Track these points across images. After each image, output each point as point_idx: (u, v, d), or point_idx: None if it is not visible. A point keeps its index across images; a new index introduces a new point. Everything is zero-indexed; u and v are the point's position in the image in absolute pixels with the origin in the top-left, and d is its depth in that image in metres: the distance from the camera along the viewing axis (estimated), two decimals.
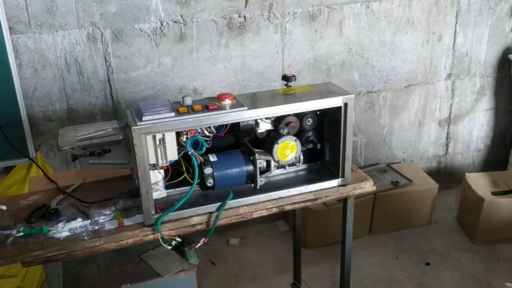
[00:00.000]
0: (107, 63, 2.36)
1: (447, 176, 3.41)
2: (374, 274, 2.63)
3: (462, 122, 3.28)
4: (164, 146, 1.42)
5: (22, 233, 1.44)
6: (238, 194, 1.55)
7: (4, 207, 1.60)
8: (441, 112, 3.20)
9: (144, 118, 1.36)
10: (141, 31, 2.35)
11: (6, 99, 2.17)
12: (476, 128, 3.34)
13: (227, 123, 1.47)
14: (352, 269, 1.93)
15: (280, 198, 1.60)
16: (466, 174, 2.98)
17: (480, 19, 3.01)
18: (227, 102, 1.46)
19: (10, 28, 2.13)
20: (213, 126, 1.47)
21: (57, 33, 2.23)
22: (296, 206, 1.64)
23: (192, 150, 1.45)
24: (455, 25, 2.97)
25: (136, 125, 1.36)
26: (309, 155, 1.70)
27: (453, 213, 3.13)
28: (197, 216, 1.51)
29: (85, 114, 2.40)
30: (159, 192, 1.52)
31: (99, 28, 2.29)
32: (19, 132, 2.23)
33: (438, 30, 2.94)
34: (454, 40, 3.01)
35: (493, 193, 2.77)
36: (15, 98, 2.19)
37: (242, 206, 1.56)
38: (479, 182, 2.87)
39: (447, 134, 3.28)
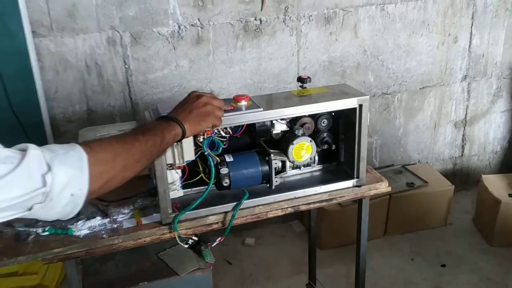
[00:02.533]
0: (126, 66, 2.40)
1: (463, 178, 3.39)
2: (389, 276, 2.62)
3: (478, 124, 3.26)
4: (181, 147, 1.43)
5: (47, 233, 1.47)
6: (254, 194, 1.57)
7: None
8: (457, 114, 3.19)
9: None
10: (159, 34, 2.39)
11: (28, 100, 2.22)
12: (492, 130, 3.31)
13: (243, 124, 1.49)
14: (367, 270, 1.93)
15: (295, 198, 1.61)
16: (483, 176, 2.96)
17: (497, 21, 2.99)
18: (243, 103, 1.48)
19: (33, 32, 2.18)
20: (229, 127, 1.49)
21: (78, 37, 2.28)
22: (311, 206, 1.65)
23: (209, 151, 1.47)
24: (471, 26, 2.96)
25: None
26: (324, 156, 1.71)
27: (469, 215, 3.11)
28: (213, 216, 1.53)
29: (104, 115, 2.44)
30: (176, 192, 1.54)
31: (118, 32, 2.33)
32: (41, 132, 2.28)
33: (454, 32, 2.94)
34: (470, 42, 3.00)
35: (510, 195, 2.75)
36: (37, 100, 2.23)
37: (258, 206, 1.57)
38: (495, 184, 2.85)
39: (463, 135, 3.27)
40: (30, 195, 0.83)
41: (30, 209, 0.85)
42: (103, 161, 0.96)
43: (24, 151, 0.85)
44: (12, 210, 0.82)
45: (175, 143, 1.42)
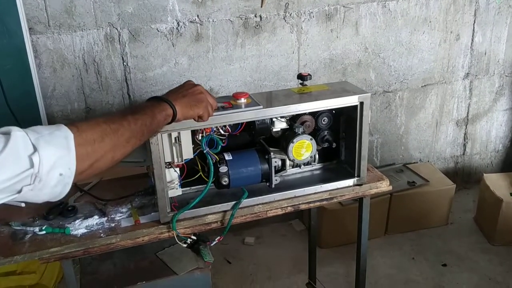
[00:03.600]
0: (125, 63, 2.38)
1: (464, 176, 3.37)
2: (390, 275, 2.61)
3: (480, 122, 3.24)
4: (180, 145, 1.42)
5: (44, 232, 1.46)
6: (253, 193, 1.55)
7: (23, 204, 1.62)
8: (459, 112, 3.17)
9: None
10: (158, 31, 2.37)
11: (26, 98, 2.20)
12: (494, 128, 3.30)
13: (243, 121, 1.48)
14: (368, 269, 1.91)
15: (295, 197, 1.59)
16: (484, 174, 2.94)
17: (499, 18, 2.97)
18: (243, 101, 1.46)
19: (30, 29, 2.16)
20: (229, 125, 1.48)
21: (76, 34, 2.26)
22: (312, 205, 1.63)
23: (208, 149, 1.46)
24: (473, 24, 2.93)
25: None
26: (325, 154, 1.69)
27: (470, 214, 3.09)
28: (212, 215, 1.51)
29: (102, 113, 2.42)
30: (175, 190, 1.52)
31: (116, 28, 2.31)
32: None
33: (456, 29, 2.91)
34: (472, 39, 2.98)
35: (511, 194, 2.73)
36: (34, 98, 2.21)
37: (257, 205, 1.56)
38: (497, 183, 2.84)
39: (465, 134, 3.25)
40: (19, 177, 0.82)
41: (19, 191, 0.84)
42: (91, 140, 0.95)
43: (7, 134, 0.84)
44: (1, 194, 0.82)
45: (174, 142, 1.42)
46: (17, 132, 0.84)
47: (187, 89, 1.26)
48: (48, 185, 0.87)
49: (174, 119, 1.19)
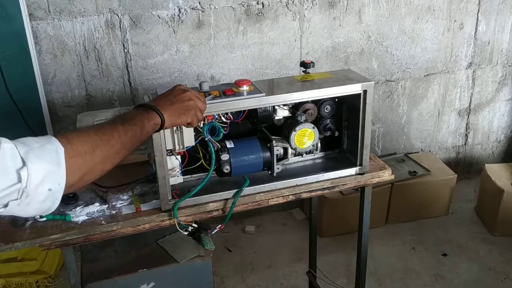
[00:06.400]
0: (125, 50, 2.36)
1: (466, 166, 3.37)
2: (390, 264, 2.61)
3: (482, 112, 3.23)
4: (181, 132, 1.41)
5: (45, 218, 1.45)
6: (255, 181, 1.54)
7: None
8: (461, 102, 3.15)
9: None
10: (159, 18, 2.35)
11: (26, 85, 2.19)
12: (496, 119, 3.28)
13: (245, 109, 1.46)
14: (368, 258, 1.91)
15: (297, 185, 1.59)
16: (486, 165, 2.94)
17: (504, 7, 2.94)
18: (245, 88, 1.45)
19: (30, 15, 2.14)
20: (230, 113, 1.47)
21: (76, 20, 2.24)
22: (313, 194, 1.62)
23: (209, 136, 1.45)
24: (477, 13, 2.91)
25: None
26: (327, 143, 1.68)
27: (471, 204, 3.09)
28: (213, 203, 1.51)
29: (103, 101, 2.41)
30: (176, 178, 1.51)
31: (117, 15, 2.29)
32: (38, 117, 2.26)
33: (460, 18, 2.89)
34: (476, 29, 2.95)
35: None
36: (35, 84, 2.21)
37: (259, 193, 1.55)
38: (498, 173, 2.83)
39: (467, 124, 3.23)
40: (5, 192, 0.79)
41: (6, 206, 0.81)
42: (82, 153, 0.93)
43: None
44: None
45: (175, 129, 1.40)
46: (5, 144, 0.80)
47: (175, 96, 1.23)
48: (36, 200, 0.85)
49: (162, 127, 1.18)
